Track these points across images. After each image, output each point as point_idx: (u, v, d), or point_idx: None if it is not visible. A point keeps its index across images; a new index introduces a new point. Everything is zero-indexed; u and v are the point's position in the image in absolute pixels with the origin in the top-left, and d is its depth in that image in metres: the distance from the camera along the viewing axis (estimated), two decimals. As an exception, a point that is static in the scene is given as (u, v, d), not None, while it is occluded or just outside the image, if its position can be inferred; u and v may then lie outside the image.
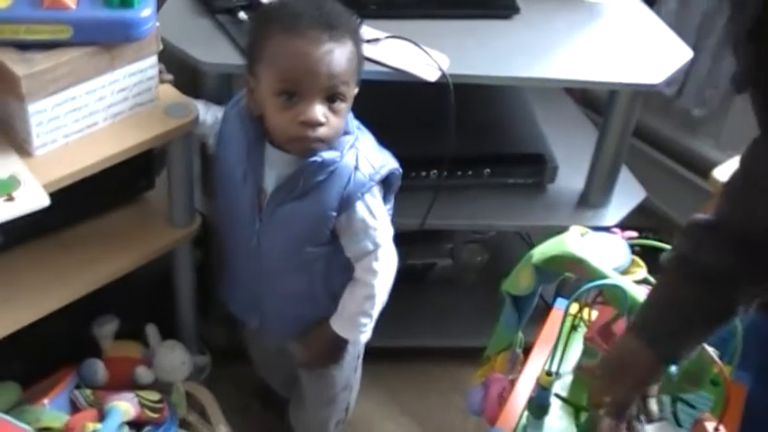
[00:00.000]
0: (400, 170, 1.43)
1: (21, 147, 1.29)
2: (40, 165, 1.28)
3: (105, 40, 1.28)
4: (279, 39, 1.28)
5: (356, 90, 1.35)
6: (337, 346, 1.48)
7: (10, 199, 1.21)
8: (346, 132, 1.36)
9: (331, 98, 1.29)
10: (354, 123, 1.39)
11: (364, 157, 1.36)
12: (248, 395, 1.78)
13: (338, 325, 1.44)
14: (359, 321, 1.43)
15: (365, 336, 1.46)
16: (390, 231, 1.44)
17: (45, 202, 1.22)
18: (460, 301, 2.00)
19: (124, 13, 1.27)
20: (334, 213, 1.36)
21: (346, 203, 1.35)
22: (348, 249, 1.41)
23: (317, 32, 1.26)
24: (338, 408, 1.63)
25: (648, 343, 1.10)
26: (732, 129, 2.06)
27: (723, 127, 2.08)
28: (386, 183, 1.42)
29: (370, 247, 1.40)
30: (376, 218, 1.39)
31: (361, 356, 1.61)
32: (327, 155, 1.32)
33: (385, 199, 1.44)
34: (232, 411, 1.66)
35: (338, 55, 1.27)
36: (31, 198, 1.22)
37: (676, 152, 2.18)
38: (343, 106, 1.32)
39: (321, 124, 1.29)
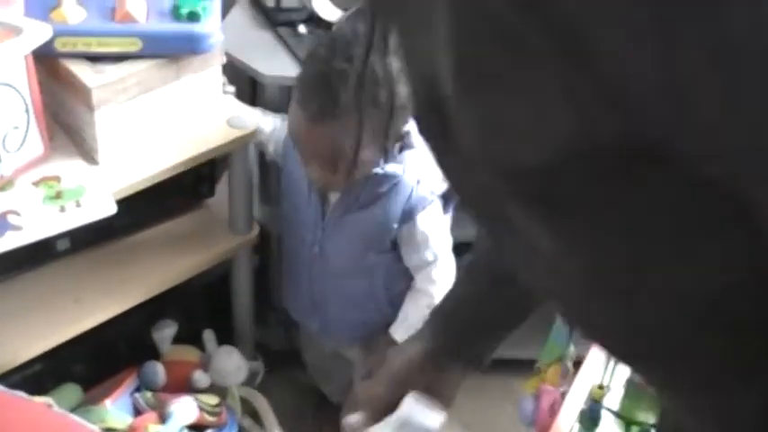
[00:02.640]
0: None
1: (88, 154, 1.33)
2: (106, 172, 1.32)
3: (173, 52, 1.32)
4: (296, 95, 1.33)
5: (405, 127, 1.35)
6: None
7: (78, 205, 1.26)
8: (409, 147, 1.39)
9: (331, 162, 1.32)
10: (417, 137, 1.41)
11: (426, 172, 1.38)
12: (302, 400, 1.81)
13: (399, 333, 1.46)
14: None
15: None
16: (449, 242, 1.46)
17: (112, 209, 1.26)
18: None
19: (191, 26, 1.31)
20: (396, 224, 1.39)
21: (408, 216, 1.39)
22: (409, 259, 1.44)
23: (313, 110, 1.28)
24: None
25: None
26: None
27: None
28: (446, 195, 1.44)
29: (430, 258, 1.43)
30: (436, 230, 1.41)
31: None
32: (390, 167, 1.36)
33: (445, 210, 1.47)
34: (285, 416, 1.68)
35: (327, 134, 1.28)
36: (99, 205, 1.26)
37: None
38: (347, 172, 1.32)
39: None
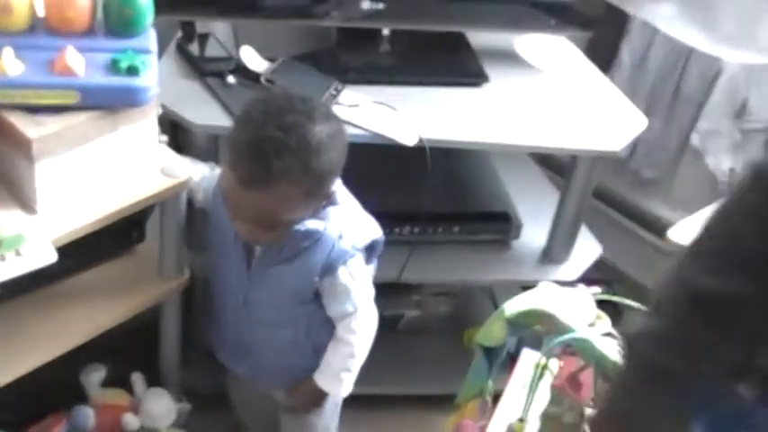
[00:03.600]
0: (383, 238, 1.52)
1: (26, 204, 1.36)
2: (44, 221, 1.34)
3: (111, 104, 1.36)
4: (227, 156, 1.37)
5: (333, 188, 1.43)
6: (320, 397, 1.57)
7: (18, 254, 1.28)
8: (333, 204, 1.45)
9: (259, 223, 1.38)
10: (341, 193, 1.48)
11: (348, 227, 1.45)
12: None
13: (321, 380, 1.53)
14: (340, 377, 1.53)
15: (346, 390, 1.55)
16: (371, 294, 1.53)
17: (53, 257, 1.29)
18: (427, 350, 2.09)
19: (130, 80, 1.35)
20: (317, 278, 1.45)
21: (329, 269, 1.44)
22: (330, 310, 1.49)
23: (244, 176, 1.32)
24: None
25: None
26: (681, 188, 2.20)
27: (672, 187, 2.22)
28: (369, 247, 1.51)
29: (351, 309, 1.49)
30: (357, 282, 1.47)
31: (340, 404, 1.69)
32: (311, 224, 1.41)
33: (368, 261, 1.53)
34: None
35: (257, 199, 1.33)
36: (39, 254, 1.28)
37: (628, 210, 2.31)
38: (274, 230, 1.39)
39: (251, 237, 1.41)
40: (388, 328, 2.07)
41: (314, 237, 1.42)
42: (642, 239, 2.26)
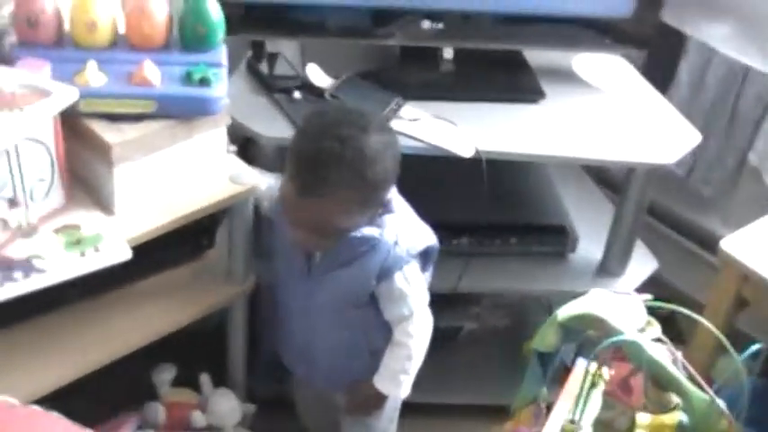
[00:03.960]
0: (437, 245, 1.57)
1: (105, 206, 1.46)
2: (121, 222, 1.44)
3: (185, 114, 1.46)
4: (287, 167, 1.45)
5: (387, 197, 1.49)
6: (379, 399, 1.62)
7: (97, 251, 1.37)
8: (389, 211, 1.51)
9: (316, 230, 1.44)
10: (397, 202, 1.54)
11: (403, 233, 1.50)
12: None
13: (380, 382, 1.58)
14: (399, 379, 1.58)
15: (404, 391, 1.60)
16: (426, 298, 1.58)
17: (128, 255, 1.38)
18: (485, 362, 2.13)
19: (202, 91, 1.45)
20: (374, 282, 1.50)
21: (385, 274, 1.50)
22: (387, 313, 1.55)
23: (302, 186, 1.40)
24: None
25: None
26: (739, 207, 2.21)
27: (730, 205, 2.23)
28: (424, 254, 1.56)
29: (407, 312, 1.54)
30: (412, 287, 1.52)
31: (399, 408, 1.74)
32: (367, 231, 1.47)
33: (424, 268, 1.58)
34: None
35: (314, 207, 1.41)
36: (115, 251, 1.38)
37: (687, 229, 2.32)
38: (331, 237, 1.45)
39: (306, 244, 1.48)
40: (447, 339, 2.14)
41: (370, 243, 1.48)
42: (700, 258, 2.27)
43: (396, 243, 1.49)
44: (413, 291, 1.53)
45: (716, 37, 2.07)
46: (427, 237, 1.56)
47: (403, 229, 1.51)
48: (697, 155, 2.23)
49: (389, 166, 1.44)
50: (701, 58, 2.17)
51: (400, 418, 1.77)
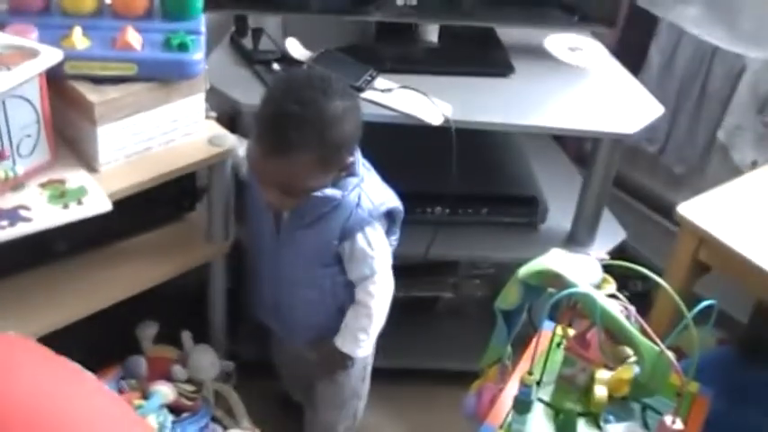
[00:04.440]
0: (401, 207, 1.65)
1: (89, 163, 1.55)
2: (104, 178, 1.53)
3: (164, 77, 1.55)
4: (253, 130, 1.54)
5: (349, 159, 1.55)
6: (343, 358, 1.69)
7: (80, 204, 1.46)
8: (352, 174, 1.58)
9: (282, 189, 1.52)
10: (363, 165, 1.61)
11: (366, 195, 1.58)
12: (271, 403, 1.98)
13: (340, 341, 1.66)
14: (358, 338, 1.65)
15: (363, 351, 1.67)
16: (388, 261, 1.65)
17: (108, 207, 1.47)
18: (462, 331, 2.20)
19: (181, 55, 1.54)
20: (337, 242, 1.58)
21: (347, 234, 1.58)
22: (350, 273, 1.62)
23: (266, 146, 1.49)
24: (347, 413, 1.84)
25: None
26: (709, 183, 2.28)
27: (701, 181, 2.30)
28: (390, 217, 1.64)
29: (368, 272, 1.61)
30: (374, 248, 1.60)
31: (369, 367, 1.82)
32: (330, 191, 1.55)
33: (390, 231, 1.66)
34: (255, 417, 1.84)
35: (278, 167, 1.49)
36: (97, 204, 1.47)
37: (660, 204, 2.40)
38: (297, 196, 1.53)
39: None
40: (425, 309, 2.22)
41: (332, 203, 1.55)
42: (673, 232, 2.34)
43: (358, 204, 1.57)
44: (375, 252, 1.60)
45: (685, 18, 2.14)
46: (391, 199, 1.63)
47: (366, 192, 1.58)
48: (668, 133, 2.31)
49: (350, 129, 1.52)
50: (671, 40, 2.25)
51: (376, 384, 1.85)
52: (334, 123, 1.48)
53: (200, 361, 1.78)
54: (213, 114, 1.72)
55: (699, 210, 1.74)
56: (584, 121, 1.83)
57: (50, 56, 1.43)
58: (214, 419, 1.76)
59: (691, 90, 2.25)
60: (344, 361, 1.71)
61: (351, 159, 1.57)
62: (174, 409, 1.68)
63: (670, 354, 1.38)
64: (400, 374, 2.06)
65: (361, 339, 1.65)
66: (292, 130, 1.46)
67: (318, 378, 1.80)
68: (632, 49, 2.26)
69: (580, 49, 2.09)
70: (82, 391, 1.22)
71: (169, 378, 1.74)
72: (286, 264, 1.65)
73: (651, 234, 2.35)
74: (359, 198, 1.57)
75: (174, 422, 1.65)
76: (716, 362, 1.88)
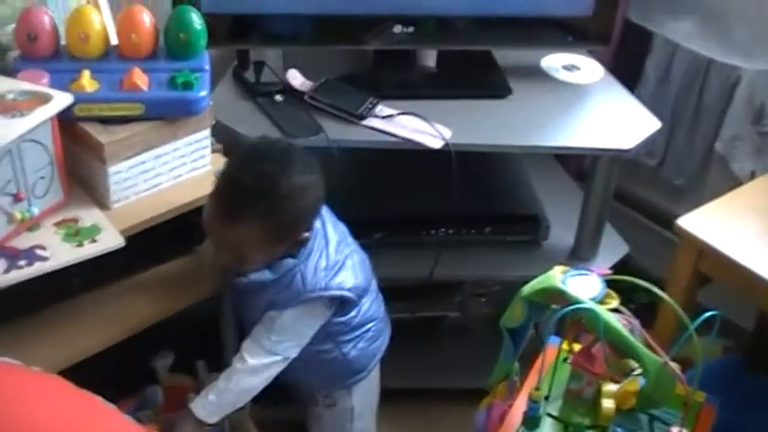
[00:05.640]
0: (350, 295, 1.64)
1: (101, 201, 1.59)
2: (116, 215, 1.57)
3: (170, 114, 1.60)
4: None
5: (304, 234, 1.56)
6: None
7: (94, 242, 1.51)
8: (292, 256, 1.58)
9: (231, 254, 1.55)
10: (323, 238, 1.62)
11: (301, 279, 1.58)
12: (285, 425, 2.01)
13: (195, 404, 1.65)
14: (207, 395, 1.65)
15: (204, 412, 1.64)
16: (284, 352, 1.63)
17: (121, 243, 1.51)
18: (468, 349, 2.24)
19: (186, 93, 1.59)
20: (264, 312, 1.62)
21: (271, 307, 1.61)
22: (253, 332, 1.64)
23: (216, 211, 1.52)
24: None
25: None
26: (709, 194, 2.31)
27: (701, 192, 2.34)
28: (339, 300, 1.65)
29: (264, 344, 1.62)
30: (279, 333, 1.61)
31: (360, 413, 1.85)
32: (257, 276, 1.58)
33: (342, 313, 1.67)
34: None
35: (225, 233, 1.52)
36: (110, 240, 1.51)
37: (660, 217, 2.43)
38: (245, 263, 1.55)
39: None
40: (431, 328, 2.26)
41: (259, 285, 1.59)
42: (675, 244, 2.38)
43: (288, 286, 1.58)
44: (277, 336, 1.62)
45: (679, 32, 2.19)
46: (336, 286, 1.62)
47: (303, 274, 1.59)
48: (666, 146, 2.35)
49: (306, 205, 1.54)
50: (666, 54, 2.29)
51: (385, 406, 1.90)
52: (289, 199, 1.50)
53: (216, 389, 1.81)
54: (219, 147, 1.76)
55: (699, 222, 1.78)
56: (582, 139, 1.87)
57: (62, 100, 1.48)
58: (230, 446, 1.80)
59: (687, 103, 2.29)
60: (186, 415, 1.65)
61: (306, 235, 1.58)
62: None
63: (674, 365, 1.41)
64: (408, 395, 2.09)
65: (210, 399, 1.63)
66: (242, 200, 1.49)
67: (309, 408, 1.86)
68: (628, 64, 2.30)
69: (576, 68, 2.13)
70: (107, 424, 1.25)
71: (184, 407, 1.77)
72: (247, 309, 1.69)
73: (654, 245, 2.38)
74: (291, 279, 1.58)
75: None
76: (722, 370, 1.91)
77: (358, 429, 1.87)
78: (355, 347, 1.73)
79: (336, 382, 1.79)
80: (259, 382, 1.63)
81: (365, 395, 1.83)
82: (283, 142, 1.67)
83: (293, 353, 1.64)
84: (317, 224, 1.62)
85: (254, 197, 1.49)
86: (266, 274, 1.58)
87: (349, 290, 1.63)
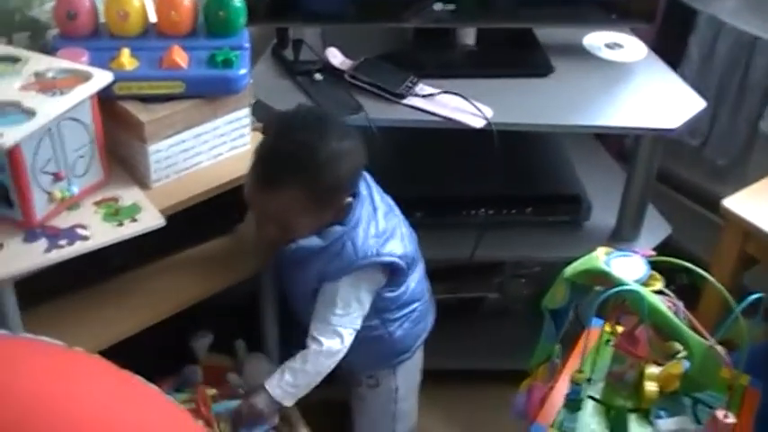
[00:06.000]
0: (400, 262, 1.62)
1: (141, 180, 1.59)
2: (156, 195, 1.57)
3: (210, 93, 1.59)
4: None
5: (346, 200, 1.56)
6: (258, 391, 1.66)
7: (134, 221, 1.50)
8: (340, 222, 1.58)
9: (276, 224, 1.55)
10: (370, 205, 1.61)
11: (352, 245, 1.57)
12: (327, 410, 1.95)
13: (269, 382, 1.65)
14: (284, 376, 1.63)
15: (281, 393, 1.63)
16: (352, 324, 1.63)
17: (161, 222, 1.51)
18: (508, 331, 2.23)
19: (226, 72, 1.57)
20: (317, 286, 1.61)
21: (325, 278, 1.60)
22: (315, 312, 1.63)
23: (257, 179, 1.53)
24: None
25: None
26: (753, 174, 2.27)
27: (744, 173, 2.29)
28: (390, 268, 1.64)
29: (331, 321, 1.61)
30: (341, 304, 1.60)
31: (406, 393, 1.85)
32: (306, 242, 1.57)
33: (391, 283, 1.66)
34: (312, 425, 1.83)
35: (266, 200, 1.53)
36: (151, 220, 1.51)
37: (703, 197, 2.39)
38: (290, 233, 1.55)
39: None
40: (471, 309, 2.24)
41: (311, 251, 1.58)
42: (717, 225, 2.34)
43: (339, 254, 1.57)
44: (343, 306, 1.61)
45: (724, 10, 2.14)
46: (387, 253, 1.61)
47: (353, 241, 1.58)
48: (710, 126, 2.30)
49: (344, 171, 1.53)
50: (710, 32, 2.25)
51: (426, 387, 1.89)
52: (327, 165, 1.50)
53: (255, 369, 1.81)
54: (259, 126, 1.75)
55: (744, 203, 1.75)
56: (625, 119, 1.84)
57: (102, 78, 1.47)
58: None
59: (731, 82, 2.24)
60: (259, 393, 1.65)
61: (348, 200, 1.57)
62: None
63: (719, 348, 1.39)
64: (448, 376, 2.08)
65: (286, 380, 1.63)
66: (282, 167, 1.50)
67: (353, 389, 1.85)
68: (671, 43, 2.26)
69: (619, 46, 2.09)
70: (148, 406, 1.25)
71: (225, 385, 1.77)
72: (295, 282, 1.69)
73: (697, 227, 2.35)
74: (342, 247, 1.58)
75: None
76: (767, 354, 1.88)
77: (401, 410, 1.87)
78: (401, 327, 1.72)
79: (381, 362, 1.78)
80: (333, 362, 1.63)
81: (409, 376, 1.83)
82: (319, 110, 1.68)
83: (359, 324, 1.64)
84: (364, 191, 1.62)
85: (294, 165, 1.49)
86: (315, 241, 1.57)
87: (399, 257, 1.63)
